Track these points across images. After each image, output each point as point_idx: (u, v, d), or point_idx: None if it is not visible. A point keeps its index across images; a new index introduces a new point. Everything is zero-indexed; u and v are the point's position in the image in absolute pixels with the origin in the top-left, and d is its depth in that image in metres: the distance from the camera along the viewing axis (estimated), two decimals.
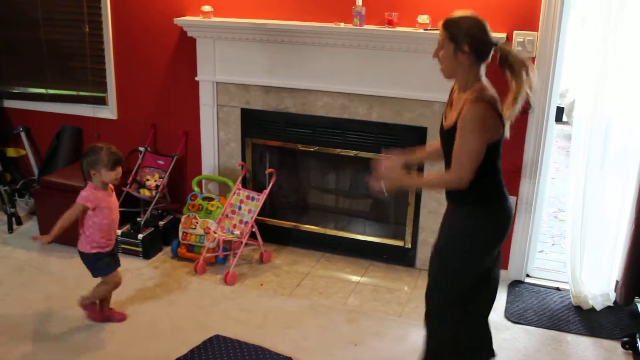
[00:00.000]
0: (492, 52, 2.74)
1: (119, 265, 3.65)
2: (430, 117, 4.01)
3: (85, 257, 3.55)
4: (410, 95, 4.00)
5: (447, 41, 2.71)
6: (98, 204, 3.43)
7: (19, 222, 4.92)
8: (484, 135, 2.66)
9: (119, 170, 3.45)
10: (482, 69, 2.76)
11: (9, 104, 5.26)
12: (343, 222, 4.63)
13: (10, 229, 4.82)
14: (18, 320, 3.69)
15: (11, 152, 5.30)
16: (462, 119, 2.66)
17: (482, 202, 2.82)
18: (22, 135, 5.22)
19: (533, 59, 3.74)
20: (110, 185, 3.53)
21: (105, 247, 3.53)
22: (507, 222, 2.88)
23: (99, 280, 3.63)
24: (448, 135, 2.78)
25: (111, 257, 3.58)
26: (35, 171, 5.23)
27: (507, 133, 2.75)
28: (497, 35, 3.70)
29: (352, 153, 4.28)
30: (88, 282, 3.92)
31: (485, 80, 2.76)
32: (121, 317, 3.72)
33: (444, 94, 3.63)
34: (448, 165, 2.82)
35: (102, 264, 3.55)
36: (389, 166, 2.95)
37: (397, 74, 3.98)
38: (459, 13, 2.73)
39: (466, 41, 2.68)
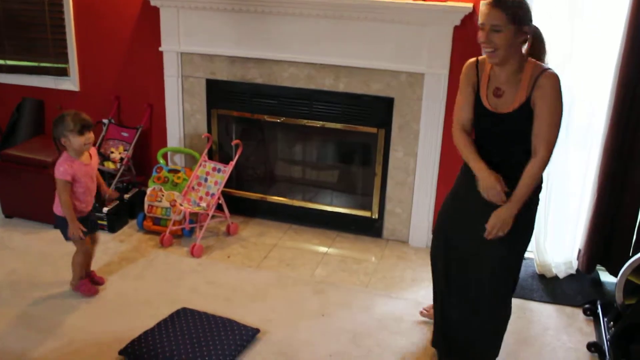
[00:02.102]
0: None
1: (93, 231, 3.66)
2: (397, 88, 4.02)
3: (58, 220, 3.55)
4: (377, 65, 3.99)
5: (507, 23, 2.53)
6: (75, 175, 3.41)
7: None
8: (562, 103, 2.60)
9: (89, 135, 3.39)
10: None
11: None
12: (310, 194, 4.64)
13: None
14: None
15: None
16: (543, 90, 2.55)
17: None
18: None
19: None
20: (90, 151, 3.50)
21: (80, 212, 3.52)
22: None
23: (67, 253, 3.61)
24: (515, 117, 2.63)
25: (84, 223, 3.55)
26: None
27: None
28: (463, 5, 3.70)
29: (318, 124, 4.27)
30: (53, 257, 3.90)
31: (530, 59, 2.66)
32: (101, 281, 3.79)
33: (412, 64, 3.65)
34: (508, 148, 2.72)
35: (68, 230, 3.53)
36: (494, 226, 2.74)
37: (365, 44, 3.97)
38: None
39: (528, 22, 2.57)
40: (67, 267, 3.73)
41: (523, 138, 2.65)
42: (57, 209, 3.51)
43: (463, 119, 2.81)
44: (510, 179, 2.69)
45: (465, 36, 3.80)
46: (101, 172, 4.50)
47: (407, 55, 3.14)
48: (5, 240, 4.28)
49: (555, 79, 2.57)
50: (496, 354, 3.03)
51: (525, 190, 2.67)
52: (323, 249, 4.25)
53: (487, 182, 2.70)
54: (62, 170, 3.39)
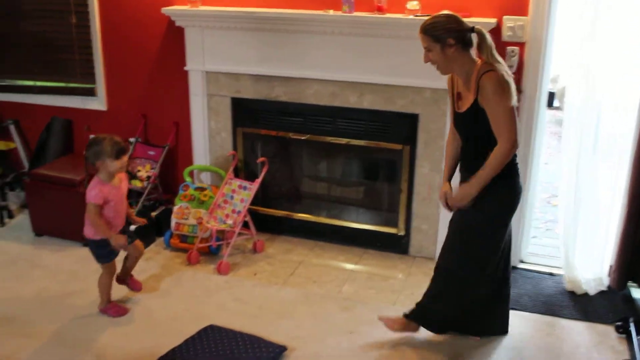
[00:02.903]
0: (473, 37, 2.95)
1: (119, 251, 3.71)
2: (421, 104, 4.01)
3: (89, 243, 3.61)
4: (401, 82, 4.00)
5: (432, 43, 2.93)
6: (106, 198, 3.47)
7: (11, 216, 4.91)
8: (510, 96, 2.87)
9: (125, 159, 3.49)
10: (472, 53, 2.97)
11: None
12: (336, 210, 4.64)
13: (2, 222, 4.81)
14: (12, 314, 3.69)
15: (0, 145, 5.27)
16: (483, 91, 2.87)
17: (500, 175, 3.00)
18: (11, 128, 5.20)
19: (523, 44, 3.74)
20: (120, 175, 3.56)
21: (115, 231, 3.57)
22: (517, 201, 3.12)
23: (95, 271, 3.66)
24: (466, 117, 3.01)
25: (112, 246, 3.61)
26: (26, 164, 5.21)
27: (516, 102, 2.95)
28: (487, 21, 3.70)
29: (343, 141, 4.27)
30: (82, 275, 3.94)
31: (480, 61, 2.96)
32: (138, 287, 3.89)
33: (436, 81, 3.67)
34: (470, 145, 3.10)
35: (102, 252, 3.59)
36: (454, 200, 3.16)
37: (388, 61, 3.98)
38: (428, 18, 2.96)
39: (449, 36, 2.90)
40: (94, 284, 3.76)
41: (481, 137, 2.97)
42: (88, 231, 3.56)
43: (451, 123, 3.22)
44: (474, 166, 3.02)
45: None
46: (128, 190, 4.56)
47: (431, 72, 3.15)
48: (35, 258, 4.33)
49: (493, 78, 2.85)
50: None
51: (483, 173, 2.98)
52: (350, 266, 4.24)
53: (440, 191, 3.29)
54: (93, 194, 3.44)
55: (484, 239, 3.16)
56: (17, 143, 5.23)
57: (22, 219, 4.88)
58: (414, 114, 4.06)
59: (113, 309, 3.69)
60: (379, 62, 4.00)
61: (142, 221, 3.85)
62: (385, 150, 4.23)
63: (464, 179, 3.16)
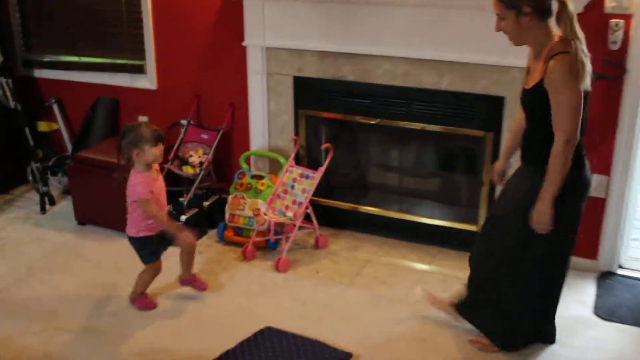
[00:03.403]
0: (553, 4, 2.88)
1: (166, 248, 3.77)
2: (507, 85, 3.94)
3: (132, 241, 3.68)
4: (485, 60, 3.93)
5: (505, 10, 2.90)
6: (152, 189, 3.54)
7: (52, 202, 5.05)
8: (579, 84, 2.82)
9: (162, 147, 3.54)
10: (551, 25, 2.91)
11: (40, 73, 5.37)
12: (407, 204, 4.61)
13: (43, 209, 4.95)
14: (54, 308, 3.79)
15: (43, 126, 5.41)
16: (551, 75, 2.82)
17: None
18: (54, 107, 5.33)
19: (630, 17, 3.63)
20: (156, 166, 3.62)
21: (153, 229, 3.64)
22: (583, 195, 3.10)
23: (140, 265, 3.73)
24: (530, 95, 2.99)
25: (158, 243, 3.69)
26: (69, 147, 5.34)
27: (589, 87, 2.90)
28: None
29: (417, 126, 4.24)
30: (127, 268, 4.01)
31: (557, 34, 2.92)
32: (203, 287, 3.90)
33: (524, 59, 3.58)
34: (531, 126, 3.08)
35: (146, 252, 3.67)
36: (535, 225, 3.06)
37: (471, 36, 3.91)
38: None
39: (525, 3, 2.85)
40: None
41: (542, 121, 2.93)
42: (131, 230, 3.64)
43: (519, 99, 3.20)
44: (531, 164, 3.09)
45: (589, 24, 3.68)
46: (179, 177, 4.63)
47: (520, 48, 3.08)
48: (78, 248, 4.44)
49: (564, 63, 2.80)
50: None
51: (548, 185, 2.94)
52: (422, 266, 4.22)
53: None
54: (141, 189, 3.50)
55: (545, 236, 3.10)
56: (59, 124, 5.36)
57: (64, 206, 5.01)
58: (498, 97, 3.99)
59: (142, 301, 3.77)
60: (460, 37, 3.95)
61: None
62: (465, 137, 4.19)
63: (523, 164, 3.18)
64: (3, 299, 3.90)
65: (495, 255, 3.25)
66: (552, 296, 3.32)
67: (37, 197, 5.03)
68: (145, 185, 3.50)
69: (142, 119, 4.96)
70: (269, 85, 4.54)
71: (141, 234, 3.62)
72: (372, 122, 4.36)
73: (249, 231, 4.39)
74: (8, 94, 4.96)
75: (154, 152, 3.48)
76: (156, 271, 3.76)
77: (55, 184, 5.25)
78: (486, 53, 3.91)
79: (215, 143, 4.66)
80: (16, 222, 4.81)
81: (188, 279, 3.87)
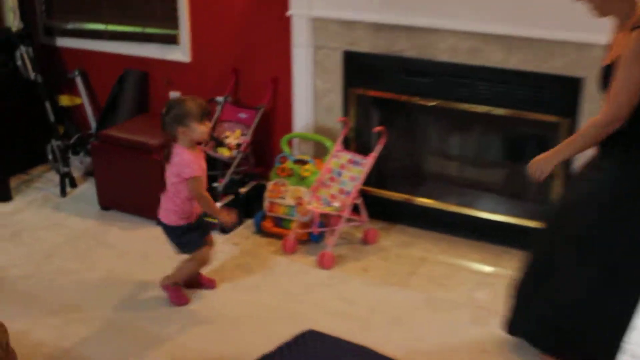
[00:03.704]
0: None
1: (208, 234, 3.78)
2: (588, 65, 3.85)
3: (171, 231, 3.68)
4: (561, 35, 3.86)
5: None
6: (201, 166, 3.59)
7: (73, 184, 5.10)
8: None
9: (209, 123, 3.59)
10: None
11: (63, 42, 5.42)
12: (469, 197, 4.58)
13: (64, 192, 5.00)
14: (74, 300, 3.83)
15: (65, 101, 5.46)
16: (624, 50, 2.80)
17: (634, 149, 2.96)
18: (78, 80, 5.38)
19: None
20: (197, 146, 3.65)
21: (195, 216, 3.67)
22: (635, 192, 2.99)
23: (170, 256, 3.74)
24: (605, 73, 2.96)
25: (200, 229, 3.71)
26: (93, 124, 5.38)
27: None
28: None
29: (482, 109, 4.20)
30: (155, 259, 4.05)
31: None
32: (211, 284, 3.93)
33: (607, 35, 3.51)
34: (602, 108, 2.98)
35: (188, 238, 3.68)
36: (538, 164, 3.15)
37: (545, 8, 3.85)
38: None
39: None
40: (167, 267, 3.86)
41: None
42: (167, 217, 3.65)
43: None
44: (607, 152, 3.01)
45: None
46: (213, 160, 4.64)
47: (602, 23, 3.02)
48: (100, 236, 4.47)
49: (637, 39, 2.75)
50: None
51: (575, 140, 3.01)
52: (485, 268, 4.18)
53: None
54: (195, 167, 3.53)
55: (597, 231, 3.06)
56: (83, 98, 5.41)
57: (87, 189, 5.06)
58: (576, 78, 3.92)
59: (176, 292, 3.78)
60: (534, 9, 3.88)
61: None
62: (536, 122, 4.14)
63: (599, 152, 3.10)
64: (18, 289, 3.95)
65: (564, 253, 3.17)
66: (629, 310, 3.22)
67: (57, 178, 5.09)
68: (197, 162, 3.55)
69: (174, 94, 4.97)
70: (316, 59, 4.52)
71: (183, 222, 3.64)
72: (431, 103, 4.33)
73: (290, 222, 4.39)
74: (28, 64, 5.02)
75: (201, 129, 3.51)
76: (203, 262, 3.78)
77: (77, 164, 5.30)
78: (563, 28, 3.84)
79: (255, 123, 4.66)
80: (34, 206, 4.87)
81: (194, 279, 3.90)
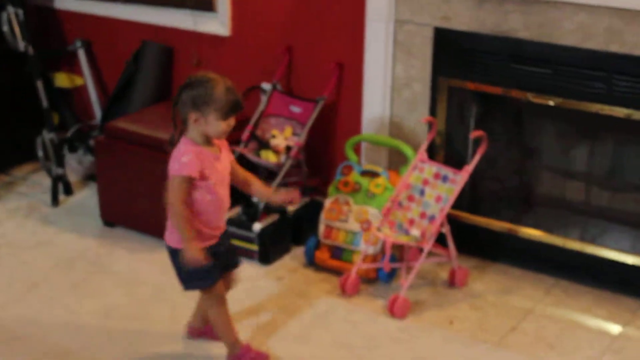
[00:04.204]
0: None
1: (229, 268, 3.75)
2: None
3: (174, 255, 3.60)
4: None
5: None
6: (203, 173, 3.48)
7: (69, 191, 5.17)
8: None
9: (232, 121, 3.49)
10: None
11: (63, 4, 5.53)
12: (595, 229, 4.57)
13: (56, 201, 5.07)
14: (66, 345, 3.85)
15: (62, 80, 5.52)
16: None
17: None
18: (80, 54, 5.46)
19: None
20: (224, 143, 3.60)
21: (208, 238, 3.59)
22: None
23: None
24: None
25: (215, 257, 3.62)
26: (97, 112, 5.46)
27: None
28: None
29: (620, 113, 4.17)
30: (172, 292, 4.05)
31: None
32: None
33: None
34: None
35: (197, 270, 3.57)
36: None
37: None
38: None
39: None
40: (188, 307, 3.88)
41: None
42: (170, 237, 3.59)
43: None
44: None
45: None
46: (254, 167, 4.65)
47: None
48: (104, 260, 4.53)
49: None
50: None
51: None
52: (613, 327, 4.13)
53: None
54: (185, 160, 3.43)
55: None
56: (86, 78, 5.49)
57: (86, 198, 5.14)
58: None
59: (250, 355, 3.74)
60: None
61: (294, 197, 3.81)
62: None
63: None
64: None
65: None
66: None
67: (47, 181, 5.16)
68: (194, 157, 3.44)
69: None
70: (397, 39, 4.53)
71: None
72: (550, 102, 4.32)
73: (353, 254, 4.38)
74: (16, 30, 5.08)
75: (220, 126, 3.45)
76: (221, 301, 3.70)
77: (75, 164, 5.36)
78: None
79: (312, 120, 4.68)
80: (16, 217, 4.95)
81: (200, 326, 3.89)
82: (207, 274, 3.59)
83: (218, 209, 3.58)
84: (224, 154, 3.60)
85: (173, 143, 3.50)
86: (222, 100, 3.39)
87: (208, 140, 3.50)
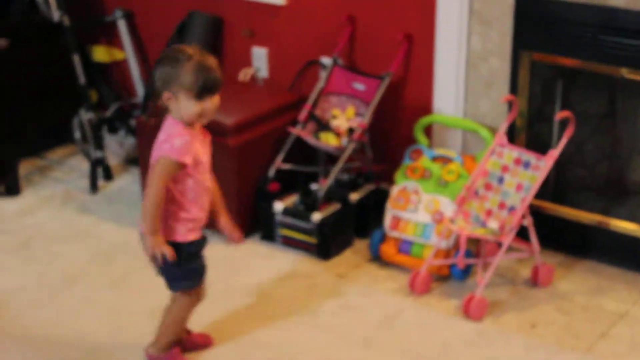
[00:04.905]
0: None
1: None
2: None
3: (178, 249, 3.60)
4: None
5: None
6: (196, 158, 3.47)
7: (109, 176, 5.18)
8: None
9: (215, 99, 3.44)
10: None
11: None
12: None
13: (94, 187, 5.09)
14: (102, 347, 3.85)
15: (101, 54, 5.54)
16: None
17: None
18: (121, 24, 5.46)
19: None
20: (201, 131, 3.57)
21: (194, 228, 3.59)
22: None
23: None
24: None
25: (200, 250, 3.67)
26: (140, 89, 5.46)
27: None
28: None
29: None
30: (218, 286, 4.04)
31: None
32: (207, 341, 3.93)
33: None
34: None
35: (197, 264, 3.65)
36: None
37: None
38: None
39: None
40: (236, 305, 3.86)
41: None
42: (181, 231, 3.59)
43: None
44: None
45: None
46: (312, 151, 4.62)
47: None
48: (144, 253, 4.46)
49: None
50: None
51: None
52: None
53: None
54: (180, 143, 3.40)
55: None
56: (127, 52, 5.49)
57: (128, 184, 5.17)
58: None
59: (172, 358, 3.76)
60: None
61: (236, 236, 3.79)
62: None
63: None
64: (23, 324, 4.00)
65: None
66: None
67: (85, 165, 5.18)
68: (187, 141, 3.41)
69: (260, 51, 5.00)
70: (473, 7, 4.50)
71: (191, 237, 3.58)
72: None
73: (423, 248, 4.36)
74: None
75: (193, 107, 3.39)
76: (194, 303, 3.74)
77: (115, 147, 5.36)
78: None
79: (377, 98, 4.64)
80: (51, 205, 4.97)
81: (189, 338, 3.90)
82: (195, 273, 3.66)
83: (203, 199, 3.58)
84: (206, 140, 3.60)
85: (147, 112, 3.50)
86: (190, 78, 3.34)
87: (190, 124, 3.45)
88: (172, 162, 3.38)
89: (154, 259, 3.50)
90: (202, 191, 3.54)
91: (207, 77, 3.36)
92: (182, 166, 3.39)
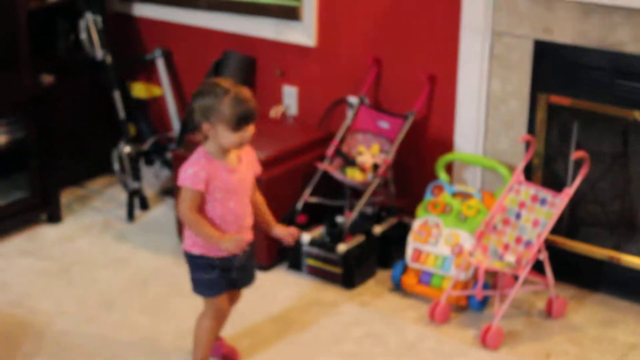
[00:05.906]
0: None
1: (240, 285, 3.77)
2: None
3: (187, 258, 3.70)
4: None
5: None
6: (211, 183, 3.50)
7: (145, 206, 5.19)
8: None
9: (250, 130, 3.48)
10: None
11: (142, 10, 5.58)
12: None
13: (131, 216, 5.09)
14: None
15: (139, 91, 5.55)
16: None
17: None
18: (159, 63, 5.49)
19: None
20: (242, 152, 3.60)
21: (212, 250, 3.60)
22: None
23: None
24: None
25: (224, 271, 3.65)
26: (176, 124, 5.47)
27: None
28: None
29: None
30: (249, 315, 4.00)
31: None
32: (235, 356, 3.94)
33: None
34: None
35: (202, 275, 3.65)
36: None
37: None
38: None
39: None
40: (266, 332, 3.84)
41: None
42: (186, 241, 3.65)
43: None
44: None
45: None
46: (338, 185, 4.62)
47: None
48: (179, 280, 4.43)
49: None
50: None
51: None
52: None
53: None
54: (191, 173, 3.48)
55: None
56: (164, 89, 5.52)
57: (163, 214, 5.17)
58: None
59: None
60: None
61: (294, 235, 3.84)
62: None
63: None
64: (63, 346, 4.00)
65: None
66: None
67: (123, 196, 5.19)
68: (198, 169, 3.47)
69: (290, 89, 5.02)
70: (494, 52, 4.50)
71: (195, 250, 3.62)
72: None
73: (442, 279, 4.34)
74: (95, 38, 5.12)
75: (232, 137, 3.44)
76: (220, 315, 3.74)
77: (152, 178, 5.37)
78: None
79: (401, 136, 4.65)
80: (91, 233, 4.98)
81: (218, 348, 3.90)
82: (212, 283, 3.67)
83: (231, 223, 3.59)
84: (244, 165, 3.62)
85: (180, 143, 3.53)
86: (229, 111, 3.41)
87: (224, 151, 3.52)
88: (188, 189, 3.47)
89: (230, 247, 3.53)
90: (221, 217, 3.55)
91: (244, 108, 3.42)
92: (197, 192, 3.46)
